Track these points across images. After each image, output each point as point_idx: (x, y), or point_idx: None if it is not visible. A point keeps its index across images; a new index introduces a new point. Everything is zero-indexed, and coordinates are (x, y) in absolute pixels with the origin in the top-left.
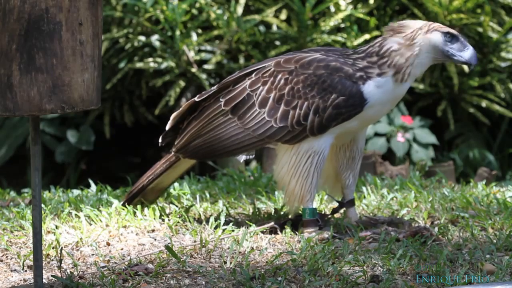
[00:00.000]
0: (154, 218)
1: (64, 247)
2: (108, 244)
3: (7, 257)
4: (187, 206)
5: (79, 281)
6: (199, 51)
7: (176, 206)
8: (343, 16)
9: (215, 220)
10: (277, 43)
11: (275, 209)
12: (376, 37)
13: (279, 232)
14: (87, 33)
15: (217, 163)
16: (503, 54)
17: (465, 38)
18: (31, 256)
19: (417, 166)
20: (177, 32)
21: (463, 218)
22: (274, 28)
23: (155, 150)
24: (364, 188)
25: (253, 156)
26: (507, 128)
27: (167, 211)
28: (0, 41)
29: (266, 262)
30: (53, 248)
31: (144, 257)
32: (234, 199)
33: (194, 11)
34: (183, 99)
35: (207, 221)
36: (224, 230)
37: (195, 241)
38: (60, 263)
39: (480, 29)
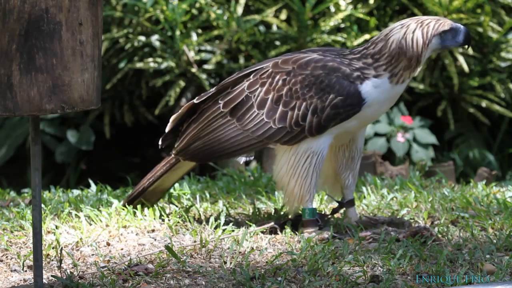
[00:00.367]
0: (154, 218)
1: (64, 247)
2: (108, 244)
3: (7, 257)
4: (187, 206)
5: (79, 281)
6: (199, 51)
7: (176, 206)
8: (343, 16)
9: (215, 220)
10: (277, 43)
11: (275, 209)
12: (372, 37)
13: (279, 232)
14: (87, 33)
15: (217, 163)
16: (503, 54)
17: (454, 21)
18: (31, 256)
19: (417, 166)
20: (177, 32)
21: (463, 218)
22: (274, 28)
23: (155, 150)
24: (364, 188)
25: (253, 157)
26: (507, 128)
27: (167, 211)
28: (0, 41)
29: (266, 262)
30: (53, 248)
31: (144, 257)
32: (234, 199)
33: (194, 11)
34: (183, 99)
35: (207, 221)
36: (224, 230)
37: (195, 241)
38: (60, 263)
39: (480, 29)
